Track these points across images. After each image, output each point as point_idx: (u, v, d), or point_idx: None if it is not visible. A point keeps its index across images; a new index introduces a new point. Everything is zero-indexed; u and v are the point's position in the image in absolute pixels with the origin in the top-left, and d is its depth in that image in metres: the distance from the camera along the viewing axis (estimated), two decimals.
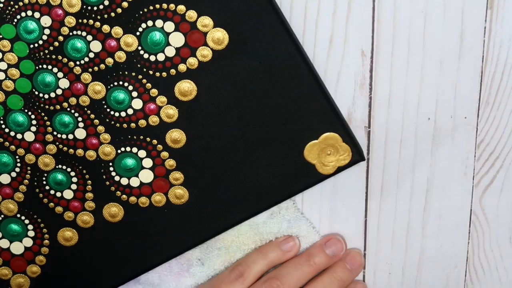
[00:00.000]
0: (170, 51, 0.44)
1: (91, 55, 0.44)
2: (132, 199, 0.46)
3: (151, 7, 0.43)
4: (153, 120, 0.45)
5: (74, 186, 0.46)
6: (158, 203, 0.46)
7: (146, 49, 0.44)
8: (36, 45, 0.43)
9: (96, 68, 0.44)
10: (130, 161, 0.46)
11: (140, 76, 0.44)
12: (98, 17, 0.43)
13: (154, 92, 0.44)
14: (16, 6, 0.43)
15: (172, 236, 0.47)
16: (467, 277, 0.51)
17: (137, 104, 0.45)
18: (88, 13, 0.43)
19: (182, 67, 0.44)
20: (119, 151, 0.46)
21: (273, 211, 0.48)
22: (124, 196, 0.46)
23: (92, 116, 0.45)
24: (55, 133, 0.45)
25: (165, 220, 0.47)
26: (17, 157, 0.45)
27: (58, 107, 0.45)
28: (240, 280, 0.46)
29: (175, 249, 0.47)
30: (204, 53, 0.44)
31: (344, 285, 0.48)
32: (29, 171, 0.46)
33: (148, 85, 0.44)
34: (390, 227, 0.49)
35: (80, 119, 0.45)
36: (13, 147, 0.45)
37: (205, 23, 0.43)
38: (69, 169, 0.46)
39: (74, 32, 0.43)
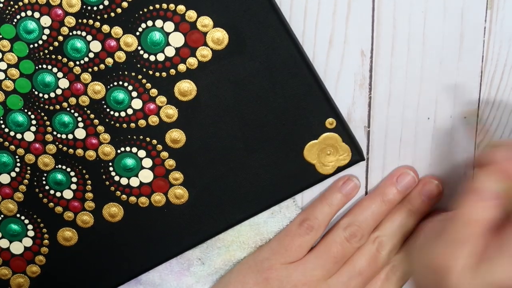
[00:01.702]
0: (170, 51, 0.44)
1: (91, 55, 0.44)
2: (132, 199, 0.46)
3: (151, 7, 0.43)
4: (153, 120, 0.45)
5: (74, 186, 0.46)
6: (158, 203, 0.46)
7: (146, 49, 0.44)
8: (36, 45, 0.43)
9: (96, 68, 0.44)
10: (129, 161, 0.46)
11: (140, 76, 0.44)
12: (98, 17, 0.43)
13: (154, 92, 0.44)
14: (16, 6, 0.43)
15: (172, 236, 0.47)
16: None
17: (137, 104, 0.45)
18: (88, 13, 0.43)
19: (182, 67, 0.44)
20: (118, 151, 0.46)
21: (274, 210, 0.48)
22: (124, 196, 0.46)
23: (92, 116, 0.45)
24: (54, 133, 0.45)
25: (165, 220, 0.47)
26: (17, 157, 0.45)
27: (58, 107, 0.45)
28: (311, 234, 0.46)
29: (174, 249, 0.47)
30: (204, 53, 0.44)
31: (421, 216, 0.47)
32: (28, 171, 0.46)
33: (148, 85, 0.44)
34: None
35: (79, 119, 0.45)
36: (12, 147, 0.45)
37: (205, 23, 0.43)
38: (68, 169, 0.46)
39: (74, 32, 0.43)
